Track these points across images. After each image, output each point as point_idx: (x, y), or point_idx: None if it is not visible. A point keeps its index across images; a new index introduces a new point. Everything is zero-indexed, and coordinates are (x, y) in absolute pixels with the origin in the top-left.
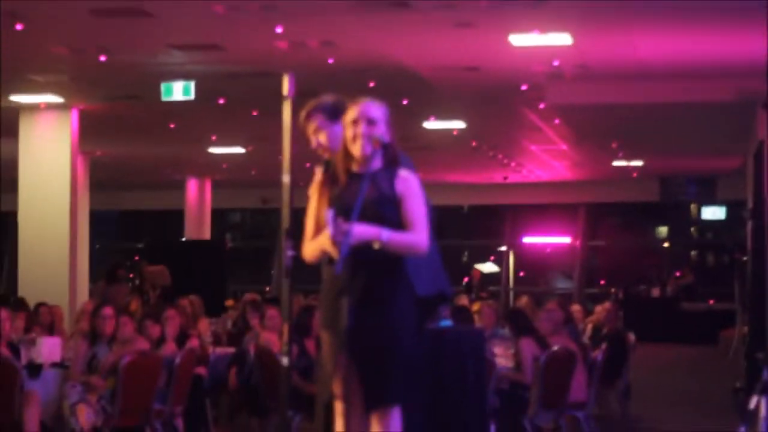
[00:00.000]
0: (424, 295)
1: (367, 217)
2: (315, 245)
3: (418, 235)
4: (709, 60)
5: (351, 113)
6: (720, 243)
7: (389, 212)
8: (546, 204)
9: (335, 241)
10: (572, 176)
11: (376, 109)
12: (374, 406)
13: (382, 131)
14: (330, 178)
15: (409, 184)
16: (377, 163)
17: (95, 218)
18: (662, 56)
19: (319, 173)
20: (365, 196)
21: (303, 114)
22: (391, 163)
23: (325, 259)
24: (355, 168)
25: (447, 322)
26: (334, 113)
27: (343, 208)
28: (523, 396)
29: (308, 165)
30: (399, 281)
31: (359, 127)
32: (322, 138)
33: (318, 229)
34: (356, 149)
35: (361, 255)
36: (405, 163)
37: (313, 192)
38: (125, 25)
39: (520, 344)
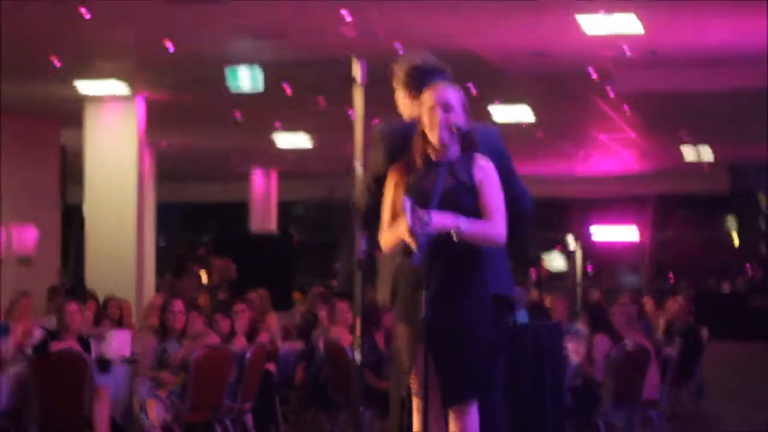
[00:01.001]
0: (500, 293)
1: (445, 206)
2: (392, 234)
3: (496, 225)
4: None
5: (427, 99)
6: None
7: (467, 201)
8: (613, 197)
9: (413, 231)
10: (640, 167)
11: (453, 95)
12: (452, 402)
13: (459, 117)
14: (407, 165)
15: (487, 172)
16: (455, 150)
17: (160, 210)
18: (732, 42)
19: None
20: (443, 184)
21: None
22: (469, 149)
23: (402, 249)
24: (432, 155)
25: (524, 318)
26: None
27: (421, 197)
28: (597, 393)
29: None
30: (477, 274)
31: (436, 114)
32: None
33: (395, 218)
34: (434, 137)
35: (438, 246)
36: (493, 134)
37: (390, 179)
38: (191, 11)
39: (595, 340)
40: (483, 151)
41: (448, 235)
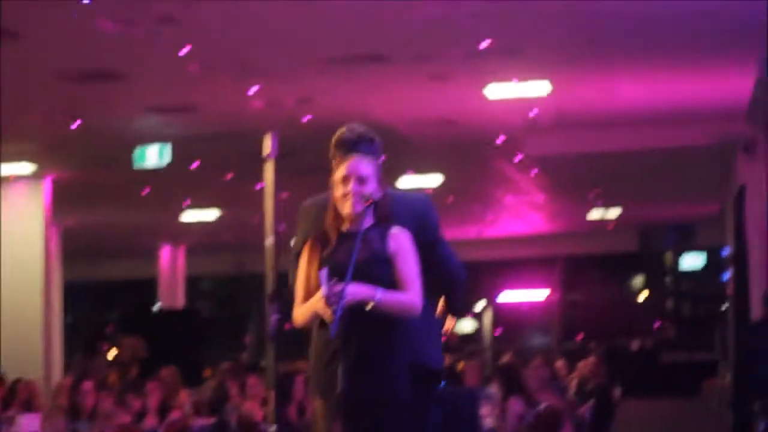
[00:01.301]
0: (425, 365)
1: (360, 277)
2: (307, 308)
3: (411, 295)
4: (688, 104)
5: (341, 170)
6: (699, 292)
7: (382, 272)
8: (522, 258)
9: (328, 303)
10: (549, 228)
11: (367, 165)
12: None
13: (373, 188)
14: (320, 239)
15: (401, 242)
16: (368, 222)
17: (68, 289)
18: (640, 102)
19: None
20: (357, 255)
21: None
22: (383, 220)
23: (317, 322)
24: (345, 227)
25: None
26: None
27: (335, 269)
28: None
29: (283, 229)
30: (395, 345)
31: (349, 185)
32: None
33: (309, 292)
34: (346, 208)
35: (354, 318)
36: (418, 202)
37: (304, 253)
38: (98, 89)
39: (509, 404)
40: (405, 219)
41: (363, 306)
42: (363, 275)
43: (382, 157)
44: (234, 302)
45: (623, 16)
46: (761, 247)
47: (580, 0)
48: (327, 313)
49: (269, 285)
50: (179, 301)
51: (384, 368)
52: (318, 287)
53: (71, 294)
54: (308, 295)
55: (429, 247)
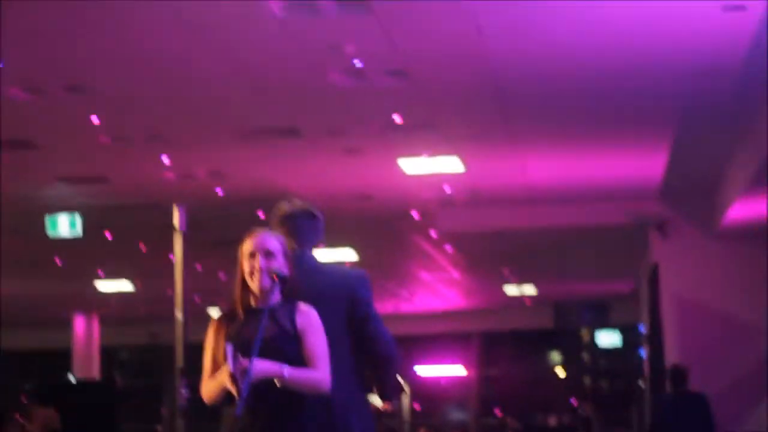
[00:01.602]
0: None
1: (267, 354)
2: (214, 384)
3: (321, 373)
4: (601, 183)
5: (247, 246)
6: (616, 369)
7: (290, 348)
8: (438, 333)
9: (234, 379)
10: (465, 305)
11: (274, 241)
12: None
13: (280, 263)
14: (228, 316)
15: (310, 318)
16: (276, 297)
17: None
18: (553, 180)
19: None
20: (264, 331)
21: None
22: (290, 296)
23: (225, 399)
24: (253, 303)
25: None
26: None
27: (243, 345)
28: None
29: (198, 300)
30: (305, 425)
31: (256, 261)
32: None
33: (216, 368)
34: (254, 283)
35: (262, 394)
36: (349, 277)
37: (211, 330)
38: (9, 158)
39: None
40: (337, 293)
41: (271, 382)
42: (271, 352)
43: (321, 233)
44: (150, 373)
45: (534, 93)
46: (674, 325)
47: (489, 76)
48: (233, 389)
49: (179, 358)
50: (95, 371)
51: None
52: (225, 362)
53: None
54: (215, 371)
55: (360, 322)
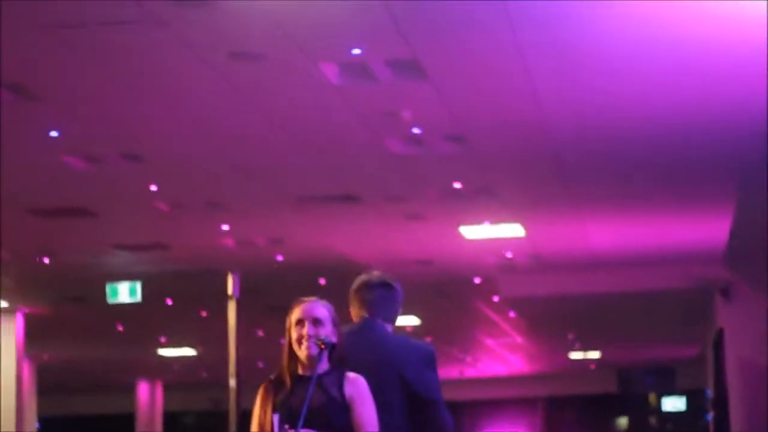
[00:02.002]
0: None
1: (314, 424)
2: None
3: None
4: (664, 247)
5: (295, 313)
6: None
7: (338, 418)
8: (503, 399)
9: None
10: (529, 369)
11: (322, 309)
12: None
13: (328, 331)
14: (275, 383)
15: (358, 387)
16: (324, 365)
17: (44, 424)
18: (615, 245)
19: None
20: (312, 400)
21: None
22: (339, 364)
23: None
24: (301, 371)
25: None
26: None
27: (289, 414)
28: None
29: (261, 365)
30: None
31: (304, 328)
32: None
33: None
34: (302, 351)
35: None
36: (427, 354)
37: (258, 397)
38: (68, 226)
39: None
40: (391, 364)
41: None
42: (318, 421)
43: (398, 305)
44: None
45: (594, 157)
46: (740, 390)
47: (548, 140)
48: None
49: (232, 425)
50: None
51: None
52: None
53: (47, 429)
54: None
55: (424, 404)
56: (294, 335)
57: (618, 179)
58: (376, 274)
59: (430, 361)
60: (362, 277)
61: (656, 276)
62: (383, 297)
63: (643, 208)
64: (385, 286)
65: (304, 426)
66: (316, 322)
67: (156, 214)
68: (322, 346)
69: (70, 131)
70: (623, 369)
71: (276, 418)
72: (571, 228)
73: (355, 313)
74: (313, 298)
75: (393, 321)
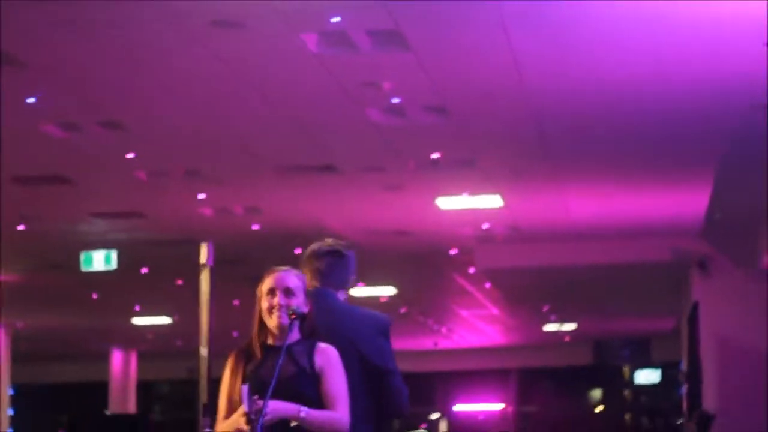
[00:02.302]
0: None
1: (284, 394)
2: (228, 424)
3: (339, 413)
4: (643, 220)
5: (267, 283)
6: (655, 406)
7: (308, 388)
8: (477, 370)
9: (249, 420)
10: (504, 341)
11: (294, 278)
12: None
13: (300, 301)
14: (245, 353)
15: (329, 357)
16: (294, 336)
17: (18, 391)
18: (594, 217)
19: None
20: (281, 371)
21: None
22: (310, 335)
23: None
24: (271, 341)
25: None
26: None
27: (259, 384)
28: None
29: (237, 335)
30: None
31: (275, 298)
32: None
33: (231, 408)
34: (272, 321)
35: None
36: (383, 323)
37: (227, 367)
38: (45, 193)
39: None
40: (367, 337)
41: (286, 423)
42: (288, 391)
43: (350, 272)
44: (187, 407)
45: (576, 129)
46: (714, 363)
47: (532, 114)
48: (248, 430)
49: (203, 395)
50: (131, 405)
51: None
52: (241, 402)
53: (22, 396)
54: (231, 411)
55: (380, 373)
56: (265, 305)
57: (599, 151)
58: (327, 241)
59: (383, 330)
60: (312, 246)
61: (634, 249)
62: (334, 264)
63: (623, 180)
64: (335, 253)
65: (273, 397)
66: (288, 291)
67: (134, 182)
68: (293, 316)
69: (47, 100)
70: (599, 341)
71: (245, 389)
72: (550, 199)
73: (308, 282)
74: (285, 268)
75: (346, 289)
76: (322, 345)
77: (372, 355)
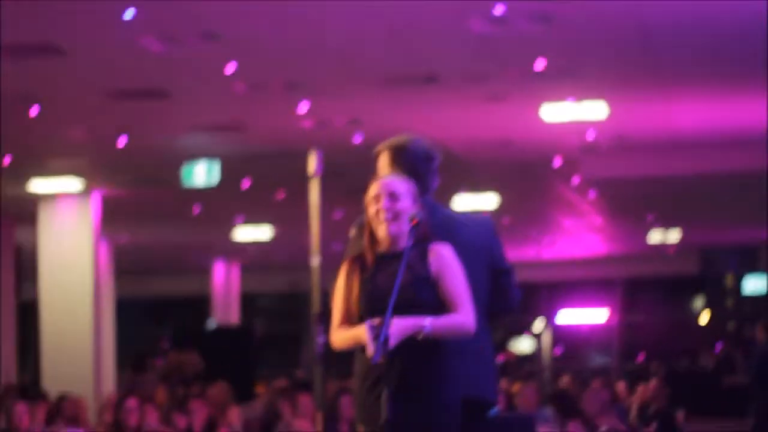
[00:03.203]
0: (479, 396)
1: (402, 303)
2: (348, 336)
3: (463, 315)
4: (749, 128)
5: (373, 189)
6: (761, 315)
7: (426, 294)
8: (580, 280)
9: (373, 337)
10: (608, 251)
11: (399, 184)
12: None
13: (406, 205)
14: (358, 261)
15: (443, 258)
16: (407, 242)
17: (121, 305)
18: (700, 124)
19: (353, 232)
20: (399, 279)
21: (381, 156)
22: (422, 240)
23: (359, 347)
24: (382, 248)
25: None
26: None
27: (375, 293)
28: None
29: (338, 248)
30: (446, 376)
31: (380, 203)
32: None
33: (347, 317)
34: (381, 229)
35: (401, 344)
36: (494, 226)
37: (341, 276)
38: (145, 107)
39: (568, 429)
40: (477, 244)
41: (413, 339)
42: (407, 301)
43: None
44: (290, 320)
45: (682, 35)
46: None
47: (636, 21)
48: (370, 347)
49: (315, 305)
50: (233, 318)
51: (434, 399)
52: (356, 311)
53: (124, 310)
54: (345, 319)
55: (500, 274)
56: (372, 210)
57: (704, 58)
58: (418, 140)
59: (495, 230)
60: (402, 141)
61: (740, 157)
62: (430, 172)
63: (730, 87)
64: (429, 158)
65: (394, 311)
66: (393, 196)
67: (233, 95)
68: (415, 222)
69: (146, 12)
70: (705, 249)
71: (368, 325)
72: (655, 108)
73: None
74: (391, 174)
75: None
76: (434, 246)
77: (499, 256)
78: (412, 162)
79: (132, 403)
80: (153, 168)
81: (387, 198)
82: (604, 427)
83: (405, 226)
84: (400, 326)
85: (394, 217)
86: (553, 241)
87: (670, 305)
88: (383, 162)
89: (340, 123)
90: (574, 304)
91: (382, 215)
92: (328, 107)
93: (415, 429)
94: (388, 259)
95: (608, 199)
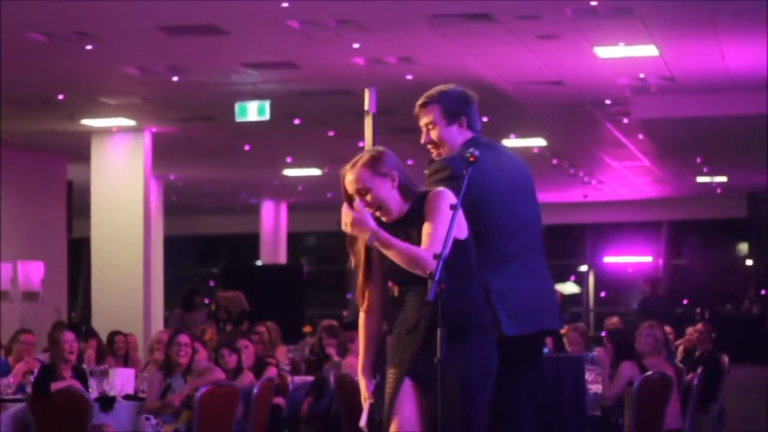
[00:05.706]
0: (514, 334)
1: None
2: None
3: (422, 251)
4: None
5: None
6: None
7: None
8: (627, 222)
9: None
10: (655, 193)
11: (358, 178)
12: None
13: (378, 190)
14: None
15: (428, 202)
16: (402, 208)
17: (170, 243)
18: (752, 66)
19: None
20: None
21: (420, 101)
22: (416, 201)
23: (392, 295)
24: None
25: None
26: (454, 113)
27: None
28: (617, 423)
29: None
30: (475, 313)
31: (360, 202)
32: (434, 135)
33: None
34: (381, 218)
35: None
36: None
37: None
38: (198, 44)
39: (621, 369)
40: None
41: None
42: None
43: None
44: (336, 259)
45: None
46: None
47: None
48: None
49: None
50: (281, 257)
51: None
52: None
53: (174, 248)
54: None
55: None
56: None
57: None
58: (456, 88)
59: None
60: (448, 88)
61: None
62: (471, 112)
63: None
64: (467, 100)
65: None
66: (361, 192)
67: (286, 32)
68: (375, 207)
69: None
70: (752, 193)
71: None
72: (706, 49)
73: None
74: (348, 170)
75: None
76: (429, 195)
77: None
78: (452, 104)
79: (183, 339)
80: (205, 105)
81: (360, 198)
82: (653, 370)
83: (394, 203)
84: (364, 216)
85: (377, 207)
86: (600, 183)
87: (716, 249)
88: (422, 114)
89: (392, 61)
90: (619, 247)
91: (371, 211)
92: (379, 46)
93: (445, 374)
94: (389, 227)
95: (657, 140)
